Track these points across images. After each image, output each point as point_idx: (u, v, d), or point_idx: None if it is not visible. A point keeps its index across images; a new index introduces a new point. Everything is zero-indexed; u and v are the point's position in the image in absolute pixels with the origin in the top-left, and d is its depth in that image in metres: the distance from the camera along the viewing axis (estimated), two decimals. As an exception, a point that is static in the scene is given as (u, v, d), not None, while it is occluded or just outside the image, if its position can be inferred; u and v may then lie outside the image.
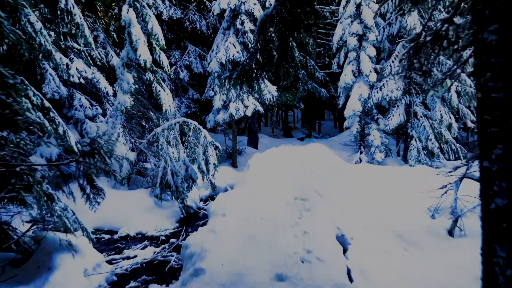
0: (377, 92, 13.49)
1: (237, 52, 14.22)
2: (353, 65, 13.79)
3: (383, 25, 14.70)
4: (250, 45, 14.96)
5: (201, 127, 9.37)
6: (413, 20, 13.15)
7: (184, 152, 9.58)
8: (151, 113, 11.07)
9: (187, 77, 16.41)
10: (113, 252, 7.37)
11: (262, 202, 6.64)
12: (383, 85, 13.50)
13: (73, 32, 9.16)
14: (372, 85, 13.76)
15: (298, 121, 35.52)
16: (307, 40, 22.12)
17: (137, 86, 11.01)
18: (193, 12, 16.86)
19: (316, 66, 23.30)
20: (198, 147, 9.24)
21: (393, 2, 14.41)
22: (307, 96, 23.12)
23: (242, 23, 14.43)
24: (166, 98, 10.61)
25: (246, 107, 14.17)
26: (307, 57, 22.56)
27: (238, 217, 5.78)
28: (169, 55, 16.80)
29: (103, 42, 14.60)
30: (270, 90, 14.94)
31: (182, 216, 9.81)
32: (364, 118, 14.09)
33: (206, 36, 17.65)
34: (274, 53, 4.67)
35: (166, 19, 15.95)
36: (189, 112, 16.91)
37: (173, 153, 9.53)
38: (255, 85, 4.99)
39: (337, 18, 23.88)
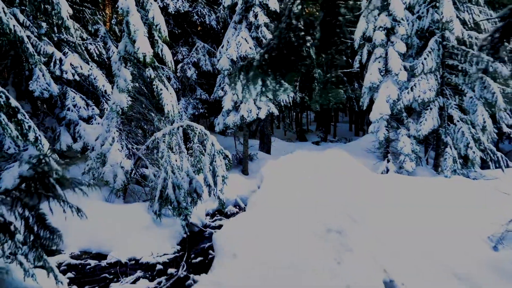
0: (407, 93, 11.93)
1: (250, 48, 12.81)
2: (379, 62, 12.26)
3: (412, 19, 13.12)
4: (264, 40, 13.56)
5: (208, 133, 7.97)
6: (449, 12, 11.57)
7: (188, 161, 8.19)
8: (152, 114, 9.72)
9: (194, 76, 15.07)
10: (96, 287, 6.00)
11: (284, 234, 5.21)
12: (415, 84, 11.94)
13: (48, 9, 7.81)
14: (401, 85, 12.20)
15: (311, 123, 33.99)
16: (324, 37, 20.62)
17: (136, 84, 9.68)
18: (202, 6, 15.51)
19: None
20: (204, 156, 7.84)
21: (425, -8, 12.85)
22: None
23: (256, 16, 13.03)
24: (169, 98, 9.24)
25: (259, 108, 12.74)
26: (323, 55, 21.03)
27: (253, 262, 4.35)
28: (176, 52, 15.48)
29: (104, 37, 13.34)
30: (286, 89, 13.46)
31: (184, 235, 8.42)
32: (392, 123, 12.54)
33: (215, 31, 16.29)
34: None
35: (173, 12, 14.63)
36: (196, 113, 15.57)
37: (175, 162, 8.15)
38: (286, 81, 3.61)
39: (357, 13, 22.31)
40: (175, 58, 15.36)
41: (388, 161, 12.52)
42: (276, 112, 13.09)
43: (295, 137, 23.53)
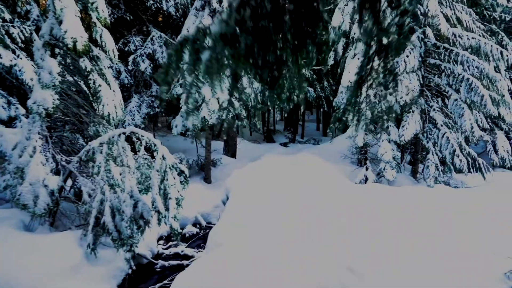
0: (389, 94, 10.72)
1: (213, 38, 11.07)
2: (358, 58, 10.97)
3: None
4: (229, 30, 11.87)
5: (158, 142, 6.21)
6: (434, 6, 10.47)
7: (132, 178, 6.39)
8: (93, 118, 7.77)
9: (149, 69, 13.11)
10: None
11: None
12: (396, 85, 10.74)
13: None
14: (382, 85, 10.98)
15: (277, 122, 32.71)
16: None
17: (70, 78, 7.70)
18: (158, -11, 13.55)
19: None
20: (153, 173, 6.08)
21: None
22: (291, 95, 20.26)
23: (220, 2, 11.31)
24: (110, 97, 7.37)
25: (224, 109, 11.05)
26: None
27: None
28: (128, 41, 13.42)
29: (38, 20, 11.07)
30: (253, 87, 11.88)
31: (129, 271, 6.65)
32: (371, 126, 11.33)
33: (174, 19, 14.38)
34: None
35: (123, -6, 12.59)
36: (152, 113, 13.63)
37: (116, 179, 6.33)
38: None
39: (329, 7, 21.13)
40: (126, 49, 13.31)
41: (367, 168, 11.31)
42: (243, 113, 11.48)
43: (262, 137, 22.07)
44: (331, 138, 24.00)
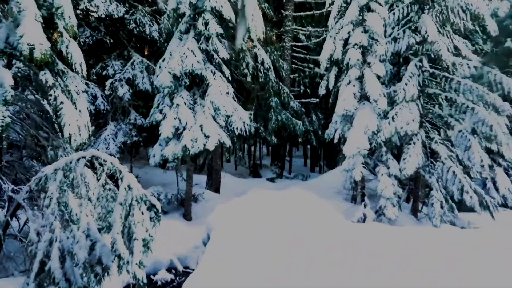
0: (388, 123, 9.93)
1: (198, 61, 10.24)
2: (354, 86, 10.23)
3: (387, 40, 11.42)
4: (215, 55, 11.09)
5: (123, 169, 5.04)
6: (433, 32, 9.96)
7: (91, 212, 5.14)
8: (53, 141, 6.58)
9: (128, 95, 12.10)
10: None
11: None
12: (396, 114, 9.99)
13: None
14: (380, 114, 10.21)
15: (264, 157, 31.68)
16: (280, 63, 18.77)
17: (25, 93, 6.58)
18: (142, 13, 12.83)
19: (290, 95, 19.85)
20: (115, 207, 4.86)
21: (400, 11, 11.33)
22: (278, 129, 19.44)
23: (206, 24, 10.58)
24: (74, 116, 6.24)
25: (207, 137, 10.01)
26: (280, 83, 19.08)
27: None
28: (106, 65, 12.44)
29: None
30: (241, 117, 10.95)
31: (80, 334, 5.21)
32: (368, 159, 10.41)
33: (157, 44, 13.60)
34: None
35: (104, 16, 11.76)
36: (128, 141, 12.44)
37: (71, 214, 5.08)
38: None
39: (316, 40, 20.91)
40: (104, 73, 12.32)
41: (365, 206, 10.24)
42: (228, 142, 10.43)
43: (248, 172, 20.92)
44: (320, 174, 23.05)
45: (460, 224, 10.74)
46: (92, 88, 11.86)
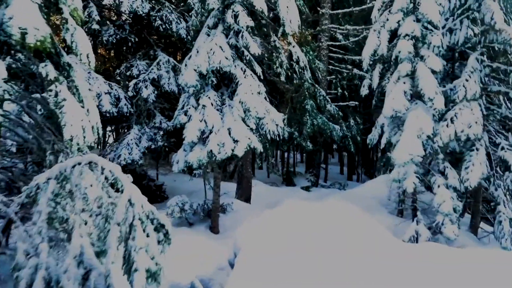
0: (447, 126, 8.45)
1: (226, 58, 9.24)
2: (405, 83, 8.83)
3: (442, 32, 9.92)
4: (245, 51, 10.06)
5: (125, 179, 4.04)
6: (500, 18, 8.41)
7: (86, 233, 4.18)
8: (54, 144, 5.74)
9: (153, 96, 11.33)
10: None
11: None
12: (455, 115, 8.49)
13: None
14: (436, 116, 8.75)
15: (297, 164, 30.31)
16: (316, 64, 17.51)
17: (28, 90, 5.81)
18: (169, 10, 12.08)
19: (327, 97, 18.53)
20: (111, 228, 3.85)
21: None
22: (314, 134, 18.14)
23: (236, 17, 9.59)
24: (78, 115, 5.36)
25: (236, 141, 8.95)
26: (316, 85, 17.81)
27: None
28: (131, 65, 11.78)
29: None
30: (274, 119, 9.82)
31: None
32: (421, 168, 8.93)
33: (185, 44, 12.80)
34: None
35: (128, 12, 11.09)
36: (153, 146, 11.65)
37: (62, 232, 4.14)
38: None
39: (355, 39, 19.47)
40: (129, 73, 11.63)
41: (418, 222, 8.75)
42: (259, 147, 9.33)
43: (281, 180, 19.72)
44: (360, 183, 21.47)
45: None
46: (116, 90, 11.18)
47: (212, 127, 9.11)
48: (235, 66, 9.71)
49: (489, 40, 9.09)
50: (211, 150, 8.70)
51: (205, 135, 9.25)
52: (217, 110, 9.51)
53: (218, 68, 9.25)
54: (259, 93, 9.72)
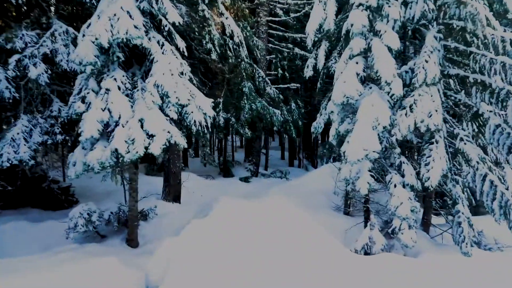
0: (406, 115, 7.16)
1: (136, 27, 7.06)
2: (357, 63, 7.35)
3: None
4: (164, 20, 7.93)
5: None
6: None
7: None
8: None
9: (45, 77, 8.75)
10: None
11: None
12: (414, 102, 7.23)
13: None
14: (393, 103, 7.45)
15: (237, 149, 28.67)
16: (254, 41, 15.70)
17: None
18: (67, -34, 9.39)
19: (266, 79, 16.89)
20: None
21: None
22: (253, 120, 16.50)
23: (148, -26, 7.37)
24: None
25: (151, 136, 6.93)
26: (255, 65, 16.08)
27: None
28: (13, 36, 8.98)
29: None
30: (201, 106, 7.88)
31: None
32: (380, 164, 7.65)
33: (88, 9, 10.18)
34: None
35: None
36: (49, 141, 9.14)
37: None
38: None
39: (296, 14, 17.85)
40: (10, 46, 8.85)
41: (372, 227, 7.50)
42: (182, 142, 7.38)
43: (218, 171, 17.92)
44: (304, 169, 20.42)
45: (484, 242, 8.30)
46: (-5, 68, 8.43)
47: (119, 118, 6.96)
48: (149, 38, 7.56)
49: (449, 15, 7.91)
50: (116, 149, 6.59)
51: (109, 128, 7.08)
52: (127, 95, 7.35)
53: (126, 41, 7.04)
54: (182, 73, 7.70)
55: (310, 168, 21.76)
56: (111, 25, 6.96)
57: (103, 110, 6.97)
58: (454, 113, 8.96)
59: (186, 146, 7.60)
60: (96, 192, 12.04)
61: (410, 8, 8.50)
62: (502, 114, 7.65)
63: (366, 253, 7.27)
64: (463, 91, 8.17)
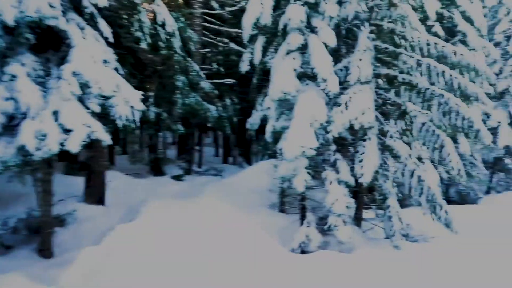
0: (341, 112, 7.18)
1: (50, 5, 6.14)
2: (295, 59, 7.22)
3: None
4: (85, 0, 7.05)
5: None
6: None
7: None
8: None
9: None
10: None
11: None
12: (350, 99, 7.29)
13: None
14: (330, 100, 7.44)
15: (169, 147, 27.53)
16: (189, 33, 15.02)
17: None
18: None
19: (201, 73, 16.28)
20: None
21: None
22: (186, 115, 15.82)
23: None
24: None
25: (68, 131, 6.08)
26: (189, 58, 15.39)
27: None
28: None
29: None
30: (127, 99, 7.15)
31: None
32: (316, 161, 7.60)
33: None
34: None
35: None
36: None
37: None
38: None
39: (230, 9, 17.50)
40: None
41: (308, 225, 7.44)
42: (106, 138, 6.62)
43: (149, 168, 16.90)
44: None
45: (411, 234, 8.72)
46: None
47: (28, 109, 6.00)
48: (67, 20, 6.65)
49: (381, 16, 8.14)
50: (23, 146, 5.65)
51: (15, 120, 6.08)
52: (39, 84, 6.38)
53: (38, 20, 6.08)
54: (105, 61, 6.91)
55: (245, 165, 21.58)
56: (19, 1, 5.96)
57: (7, 100, 5.95)
58: (383, 111, 9.30)
59: (110, 142, 6.84)
60: (2, 196, 10.53)
61: (345, 8, 8.60)
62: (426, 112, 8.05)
63: (303, 252, 7.20)
64: (392, 90, 8.45)
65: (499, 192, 13.40)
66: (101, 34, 7.44)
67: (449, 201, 10.19)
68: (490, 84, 8.90)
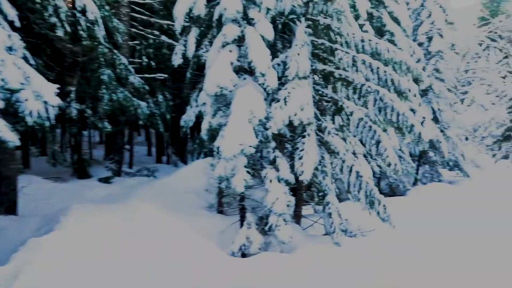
0: (280, 107, 6.94)
1: None
2: (231, 52, 6.80)
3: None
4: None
5: None
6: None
7: None
8: None
9: None
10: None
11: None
12: (288, 94, 7.08)
13: None
14: (268, 95, 7.15)
15: (95, 146, 25.57)
16: (115, 23, 13.86)
17: None
18: None
19: (129, 67, 15.15)
20: None
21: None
22: (114, 112, 14.64)
23: None
24: None
25: (-39, 132, 5.01)
26: (116, 51, 14.21)
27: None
28: None
29: None
30: (40, 93, 6.18)
31: None
32: (255, 159, 7.27)
33: None
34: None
35: None
36: None
37: None
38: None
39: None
40: None
41: (249, 226, 7.12)
42: (13, 139, 5.63)
43: (72, 171, 15.36)
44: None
45: (349, 229, 8.85)
46: None
47: None
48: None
49: (318, 10, 8.05)
50: None
51: None
52: None
53: None
54: (10, 49, 5.88)
55: (180, 164, 20.75)
56: None
57: None
58: (320, 107, 9.30)
59: (18, 143, 5.84)
60: None
61: (281, 1, 8.37)
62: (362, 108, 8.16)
63: (243, 255, 6.86)
64: (330, 86, 8.44)
65: (424, 184, 14.43)
66: (5, 17, 6.36)
67: (381, 194, 10.53)
68: (418, 81, 9.28)
